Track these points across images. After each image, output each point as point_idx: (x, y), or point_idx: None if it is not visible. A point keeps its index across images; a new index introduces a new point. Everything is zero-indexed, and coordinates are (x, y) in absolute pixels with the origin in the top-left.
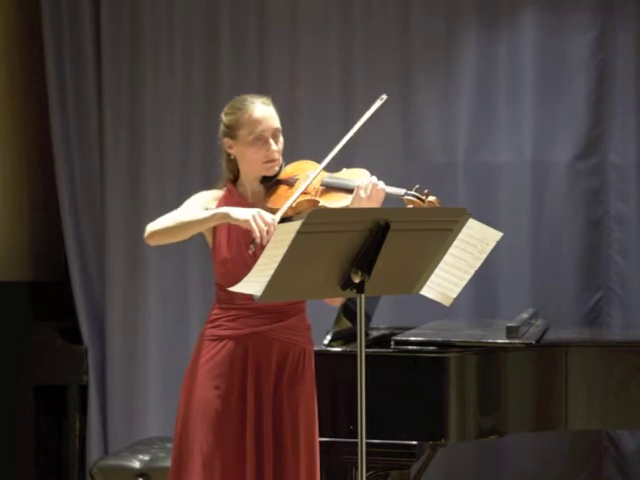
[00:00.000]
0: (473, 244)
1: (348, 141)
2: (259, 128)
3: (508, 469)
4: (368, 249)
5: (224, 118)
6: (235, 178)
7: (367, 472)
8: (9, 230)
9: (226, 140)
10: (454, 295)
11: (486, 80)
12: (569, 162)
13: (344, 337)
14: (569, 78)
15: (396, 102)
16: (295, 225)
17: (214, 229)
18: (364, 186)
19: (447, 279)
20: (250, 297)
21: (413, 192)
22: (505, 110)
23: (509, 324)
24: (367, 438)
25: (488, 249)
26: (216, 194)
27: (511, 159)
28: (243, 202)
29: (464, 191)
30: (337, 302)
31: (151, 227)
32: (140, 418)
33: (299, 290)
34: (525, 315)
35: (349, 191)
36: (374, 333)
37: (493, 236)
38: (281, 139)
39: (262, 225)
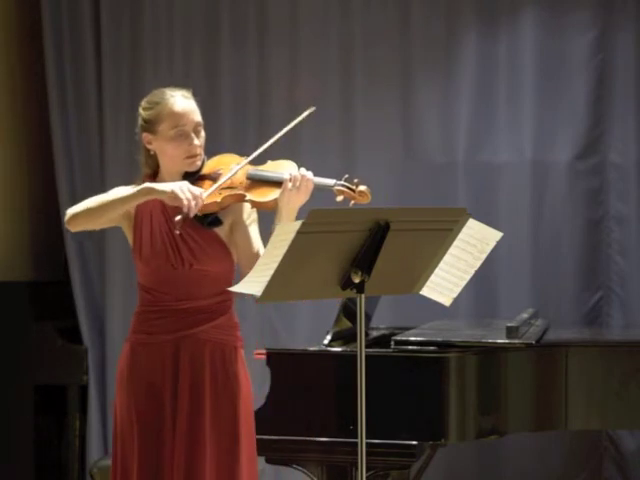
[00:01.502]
0: (473, 244)
1: (346, 142)
2: (180, 122)
3: (508, 469)
4: (368, 249)
5: (142, 112)
6: (154, 173)
7: (367, 472)
8: (9, 230)
9: (145, 135)
10: (454, 295)
11: (486, 80)
12: (569, 162)
13: (344, 337)
14: (569, 78)
15: (396, 102)
16: (295, 225)
17: (135, 225)
18: (293, 178)
19: (447, 279)
20: (178, 298)
21: (343, 182)
22: (505, 110)
23: (509, 324)
24: (367, 438)
25: (488, 249)
26: None
27: (511, 159)
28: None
29: (464, 191)
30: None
31: (71, 210)
32: None
33: (299, 290)
34: (525, 315)
35: (277, 184)
36: (374, 333)
37: (493, 236)
38: (202, 133)
39: (189, 195)
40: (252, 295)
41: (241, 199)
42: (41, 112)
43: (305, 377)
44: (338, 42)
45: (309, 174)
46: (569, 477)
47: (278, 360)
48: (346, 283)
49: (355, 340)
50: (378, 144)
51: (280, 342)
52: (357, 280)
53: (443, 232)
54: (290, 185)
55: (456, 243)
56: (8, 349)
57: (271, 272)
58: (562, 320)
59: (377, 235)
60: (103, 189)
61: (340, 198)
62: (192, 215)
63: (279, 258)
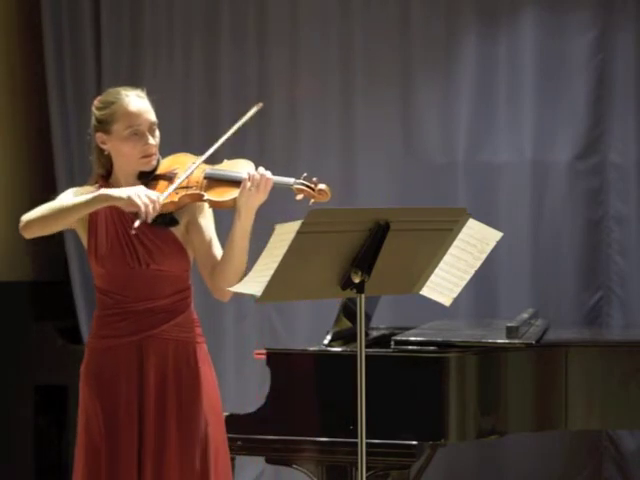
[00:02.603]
0: (473, 244)
1: (346, 142)
2: (135, 122)
3: (508, 469)
4: (368, 249)
5: (96, 112)
6: (107, 174)
7: (367, 472)
8: (9, 230)
9: (99, 135)
10: (454, 295)
11: (486, 80)
12: (569, 162)
13: (344, 337)
14: (569, 78)
15: (396, 102)
16: (295, 225)
17: (90, 227)
18: (252, 177)
19: (447, 279)
20: (138, 299)
21: (302, 180)
22: (505, 110)
23: (509, 324)
24: (367, 438)
25: (488, 249)
26: (88, 191)
27: (511, 159)
28: None
29: (464, 191)
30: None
31: (26, 217)
32: None
33: (299, 290)
34: (525, 315)
35: (235, 183)
36: (374, 333)
37: (493, 236)
38: (157, 133)
39: (146, 201)
40: (252, 295)
41: (199, 199)
42: (41, 112)
43: (305, 377)
44: (338, 42)
45: (268, 173)
46: (569, 477)
47: (278, 360)
48: (346, 283)
49: (355, 340)
50: (378, 144)
51: (280, 342)
52: (357, 280)
53: (443, 232)
54: (249, 184)
55: (456, 243)
56: (8, 349)
57: (271, 272)
58: (562, 320)
59: (377, 235)
60: None
61: (300, 197)
62: (149, 220)
63: (279, 258)
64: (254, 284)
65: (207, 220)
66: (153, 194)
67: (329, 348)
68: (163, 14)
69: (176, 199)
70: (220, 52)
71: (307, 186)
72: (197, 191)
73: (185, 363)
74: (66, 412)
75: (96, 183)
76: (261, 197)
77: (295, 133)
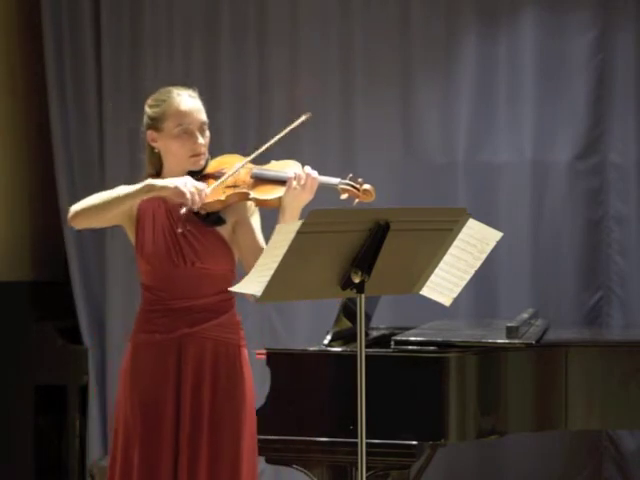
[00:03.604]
0: (473, 244)
1: (346, 142)
2: (186, 121)
3: (508, 469)
4: (368, 249)
5: (148, 110)
6: (157, 173)
7: (367, 472)
8: (9, 230)
9: (150, 133)
10: (454, 295)
11: (486, 80)
12: (569, 162)
13: (344, 337)
14: (569, 78)
15: (396, 102)
16: (295, 225)
17: (138, 224)
18: (298, 176)
19: (447, 279)
20: (179, 297)
21: (347, 181)
22: (505, 110)
23: (509, 324)
24: (367, 438)
25: (488, 249)
26: None
27: (511, 159)
28: (166, 199)
29: (464, 191)
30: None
31: (74, 207)
32: None
33: (299, 290)
34: (525, 315)
35: (281, 182)
36: (374, 333)
37: (493, 236)
38: (207, 133)
39: (192, 189)
40: (252, 295)
41: (245, 197)
42: (41, 112)
43: (305, 377)
44: (338, 42)
45: (314, 173)
46: (569, 477)
47: (278, 360)
48: (346, 283)
49: (355, 340)
50: (378, 144)
51: (280, 342)
52: (357, 280)
53: (443, 232)
54: (295, 183)
55: (456, 243)
56: (8, 349)
57: (271, 272)
58: (562, 320)
59: (377, 235)
60: (103, 189)
61: (344, 196)
62: (196, 208)
63: (279, 258)
64: (254, 284)
65: (254, 220)
66: (200, 184)
67: (329, 348)
68: (163, 14)
69: (223, 197)
70: (220, 52)
71: (352, 186)
72: (244, 190)
73: (224, 364)
74: (66, 412)
75: None
76: (307, 196)
77: (295, 133)
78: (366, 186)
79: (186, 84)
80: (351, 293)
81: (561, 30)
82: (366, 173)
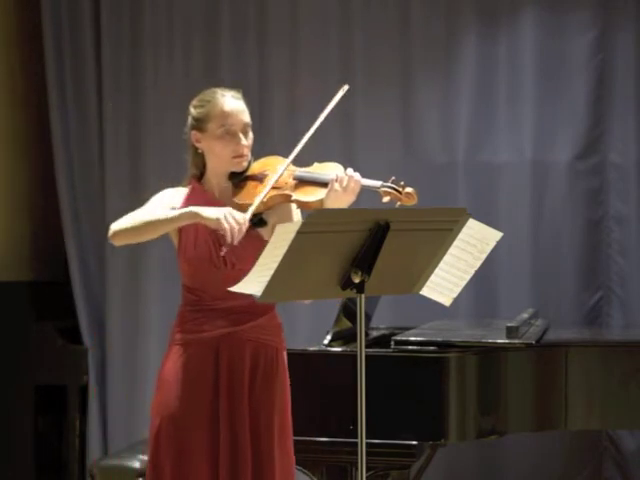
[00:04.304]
0: (473, 244)
1: (346, 142)
2: (229, 121)
3: (508, 469)
4: (368, 249)
5: (193, 111)
6: (201, 174)
7: (367, 472)
8: (9, 230)
9: (194, 133)
10: (454, 295)
11: (486, 80)
12: (569, 162)
13: (344, 337)
14: (569, 78)
15: (396, 102)
16: (295, 225)
17: (180, 228)
18: (340, 178)
19: (447, 279)
20: (219, 297)
21: (390, 184)
22: (505, 110)
23: (509, 324)
24: (367, 438)
25: (488, 249)
26: (182, 192)
27: (511, 159)
28: (209, 199)
29: (464, 191)
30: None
31: (116, 226)
32: (140, 418)
33: (299, 290)
34: (525, 315)
35: (323, 184)
36: (374, 333)
37: (493, 236)
38: (250, 134)
39: (233, 224)
40: (252, 295)
41: (287, 199)
42: (41, 112)
43: (305, 377)
44: (338, 42)
45: (356, 175)
46: (569, 477)
47: None
48: (346, 283)
49: (355, 340)
50: (378, 144)
51: None
52: (357, 280)
53: (443, 232)
54: (337, 185)
55: (456, 243)
56: (8, 349)
57: (271, 272)
58: (562, 320)
59: (377, 235)
60: (103, 189)
61: (387, 199)
62: (236, 243)
63: (279, 258)
64: (254, 284)
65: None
66: (240, 216)
67: (329, 348)
68: (163, 14)
69: (265, 199)
70: (220, 52)
71: (394, 189)
72: (286, 192)
73: (262, 367)
74: (66, 412)
75: (189, 184)
76: (349, 199)
77: (295, 133)
78: (408, 189)
79: (186, 85)
80: (351, 293)
81: (561, 30)
82: (366, 173)
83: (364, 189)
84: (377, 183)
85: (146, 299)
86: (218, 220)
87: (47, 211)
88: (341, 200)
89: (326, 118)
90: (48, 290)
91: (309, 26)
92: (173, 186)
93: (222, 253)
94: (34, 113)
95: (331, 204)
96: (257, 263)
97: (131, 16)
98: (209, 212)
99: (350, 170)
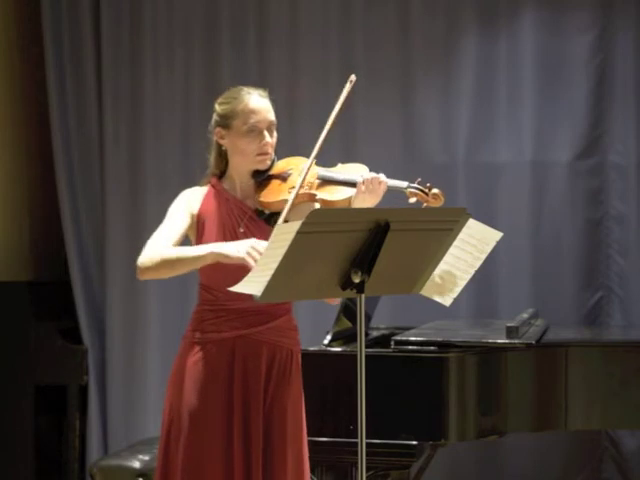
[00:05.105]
0: (473, 244)
1: (346, 142)
2: (254, 119)
3: (508, 469)
4: (368, 249)
5: (218, 108)
6: (221, 173)
7: (367, 472)
8: (9, 230)
9: (218, 130)
10: (454, 295)
11: (486, 80)
12: (569, 162)
13: (344, 337)
14: (569, 78)
15: (396, 102)
16: (295, 225)
17: (198, 225)
18: (365, 180)
19: (447, 279)
20: (237, 298)
21: (416, 185)
22: (505, 110)
23: (509, 324)
24: (367, 438)
25: (488, 249)
26: (200, 191)
27: (511, 159)
28: (230, 199)
29: (464, 191)
30: (337, 301)
31: (142, 263)
32: (140, 418)
33: (299, 290)
34: (525, 315)
35: (348, 184)
36: (374, 333)
37: (493, 236)
38: (275, 133)
39: (256, 255)
40: (252, 295)
41: (312, 198)
42: (41, 113)
43: (305, 377)
44: (338, 42)
45: (382, 176)
46: (569, 477)
47: None
48: (346, 283)
49: (355, 340)
50: (378, 144)
51: None
52: (357, 280)
53: (443, 232)
54: (363, 187)
55: (456, 243)
56: (8, 349)
57: (271, 272)
58: (562, 320)
59: (377, 235)
60: (103, 189)
61: (413, 200)
62: None
63: (279, 258)
64: (254, 284)
65: None
66: (262, 246)
67: (329, 348)
68: (163, 16)
69: (288, 198)
70: (220, 52)
71: (421, 190)
72: (310, 191)
73: (277, 368)
74: (66, 412)
75: (208, 183)
76: (374, 200)
77: (295, 133)
78: (435, 190)
79: (186, 85)
80: (351, 293)
81: (561, 30)
82: None
83: (391, 190)
84: (403, 184)
85: (146, 299)
86: (243, 258)
87: (47, 211)
88: (367, 201)
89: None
90: (48, 290)
91: (309, 26)
92: (188, 186)
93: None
94: (34, 114)
95: (359, 205)
96: (257, 263)
97: (131, 18)
98: (232, 250)
99: (373, 173)
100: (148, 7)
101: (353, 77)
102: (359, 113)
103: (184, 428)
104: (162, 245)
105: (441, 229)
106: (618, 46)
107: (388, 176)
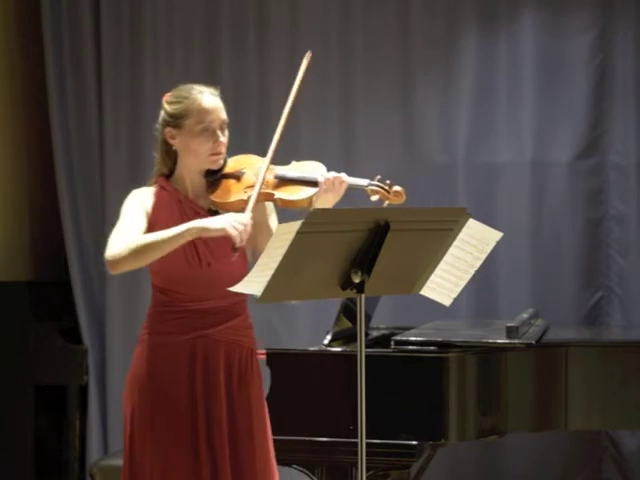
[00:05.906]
0: (473, 244)
1: (346, 142)
2: (208, 118)
3: (508, 469)
4: (368, 249)
5: (167, 107)
6: (170, 173)
7: (367, 472)
8: (9, 230)
9: (168, 130)
10: (454, 295)
11: (486, 80)
12: (569, 162)
13: (344, 337)
14: (569, 78)
15: (396, 102)
16: (295, 225)
17: (150, 224)
18: (327, 179)
19: (447, 279)
20: (193, 299)
21: (376, 182)
22: (505, 110)
23: (509, 324)
24: (367, 438)
25: (488, 249)
26: (150, 192)
27: (511, 159)
28: (182, 199)
29: (464, 191)
30: None
31: (112, 256)
32: None
33: (299, 290)
34: (525, 315)
35: (307, 183)
36: (374, 333)
37: (493, 236)
38: (227, 132)
39: (240, 228)
40: (252, 295)
41: (270, 198)
42: (41, 113)
43: (305, 377)
44: (338, 42)
45: (343, 175)
46: (569, 477)
47: (278, 360)
48: (346, 283)
49: (355, 340)
50: (378, 144)
51: (280, 342)
52: (357, 280)
53: (443, 232)
54: (325, 187)
55: (456, 243)
56: (8, 349)
57: (271, 272)
58: (562, 320)
59: (377, 235)
60: (103, 189)
61: (375, 198)
62: (244, 244)
63: (279, 258)
64: (254, 284)
65: (273, 221)
66: (243, 218)
67: (329, 348)
68: (163, 15)
69: (245, 197)
70: (220, 52)
71: (382, 187)
72: (268, 190)
73: (237, 367)
74: (66, 412)
75: (156, 183)
76: (335, 199)
77: (295, 133)
78: (396, 187)
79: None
80: (351, 293)
81: (561, 30)
82: (366, 173)
83: (352, 188)
84: (364, 182)
85: (146, 299)
86: (224, 229)
87: (47, 211)
88: (329, 200)
89: (326, 118)
90: (48, 290)
91: (309, 26)
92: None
93: (233, 259)
94: (34, 114)
95: (320, 205)
96: (257, 263)
97: (131, 18)
98: (214, 223)
99: (333, 172)
100: (148, 7)
101: (309, 53)
102: (359, 113)
103: (147, 431)
104: (134, 234)
105: (441, 229)
106: (618, 46)
107: (389, 176)
